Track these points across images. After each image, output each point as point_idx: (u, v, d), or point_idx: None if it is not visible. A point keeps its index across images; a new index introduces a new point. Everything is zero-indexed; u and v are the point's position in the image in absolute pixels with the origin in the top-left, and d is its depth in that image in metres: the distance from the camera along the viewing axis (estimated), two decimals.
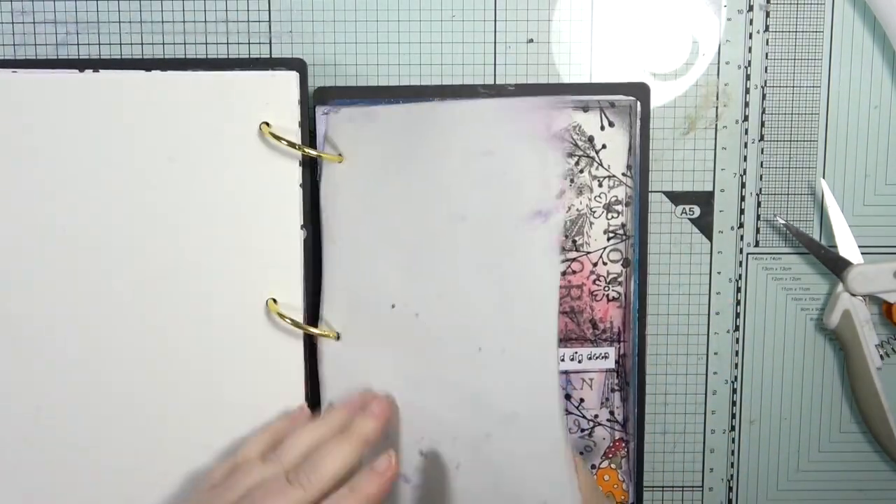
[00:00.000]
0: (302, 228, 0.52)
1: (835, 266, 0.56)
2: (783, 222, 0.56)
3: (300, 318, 0.53)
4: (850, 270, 0.56)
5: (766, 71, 0.56)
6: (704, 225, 0.57)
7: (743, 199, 0.57)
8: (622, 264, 0.54)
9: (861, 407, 0.57)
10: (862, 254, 0.56)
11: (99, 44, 0.55)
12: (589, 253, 0.54)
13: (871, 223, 0.57)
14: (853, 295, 0.55)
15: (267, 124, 0.51)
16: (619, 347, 0.55)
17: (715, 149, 0.57)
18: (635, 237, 0.54)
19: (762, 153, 0.57)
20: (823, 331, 0.58)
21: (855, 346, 0.56)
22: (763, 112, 0.56)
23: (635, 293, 0.54)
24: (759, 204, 0.57)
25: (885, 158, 0.57)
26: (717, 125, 0.57)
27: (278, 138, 0.51)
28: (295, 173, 0.52)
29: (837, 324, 0.56)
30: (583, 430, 0.56)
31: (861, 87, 0.56)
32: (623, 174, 0.54)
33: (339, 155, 0.52)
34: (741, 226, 0.57)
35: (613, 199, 0.54)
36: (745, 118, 0.57)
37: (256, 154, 0.52)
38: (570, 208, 0.54)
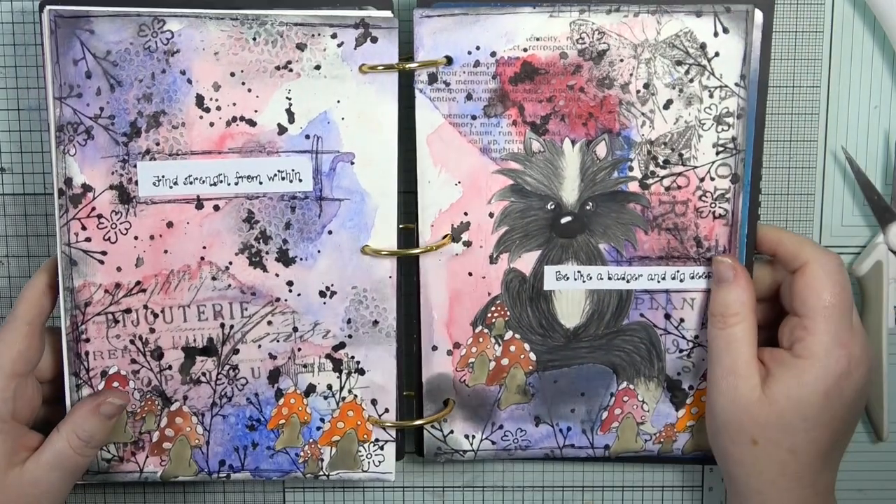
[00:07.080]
0: None
1: (882, 216, 0.55)
2: (847, 155, 0.56)
3: None
4: (894, 224, 0.55)
5: None
6: None
7: None
8: (731, 180, 0.53)
9: None
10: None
11: None
12: (696, 167, 0.53)
13: (870, 223, 0.57)
14: (891, 250, 0.55)
15: None
16: None
17: None
18: (748, 152, 0.52)
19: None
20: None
21: (875, 301, 0.55)
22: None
23: (744, 211, 0.53)
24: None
25: (884, 158, 0.57)
26: None
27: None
28: None
29: (865, 273, 0.55)
30: (681, 351, 0.55)
31: (861, 87, 0.57)
32: (736, 84, 0.52)
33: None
34: None
35: (724, 110, 0.52)
36: None
37: None
38: (677, 120, 0.52)
